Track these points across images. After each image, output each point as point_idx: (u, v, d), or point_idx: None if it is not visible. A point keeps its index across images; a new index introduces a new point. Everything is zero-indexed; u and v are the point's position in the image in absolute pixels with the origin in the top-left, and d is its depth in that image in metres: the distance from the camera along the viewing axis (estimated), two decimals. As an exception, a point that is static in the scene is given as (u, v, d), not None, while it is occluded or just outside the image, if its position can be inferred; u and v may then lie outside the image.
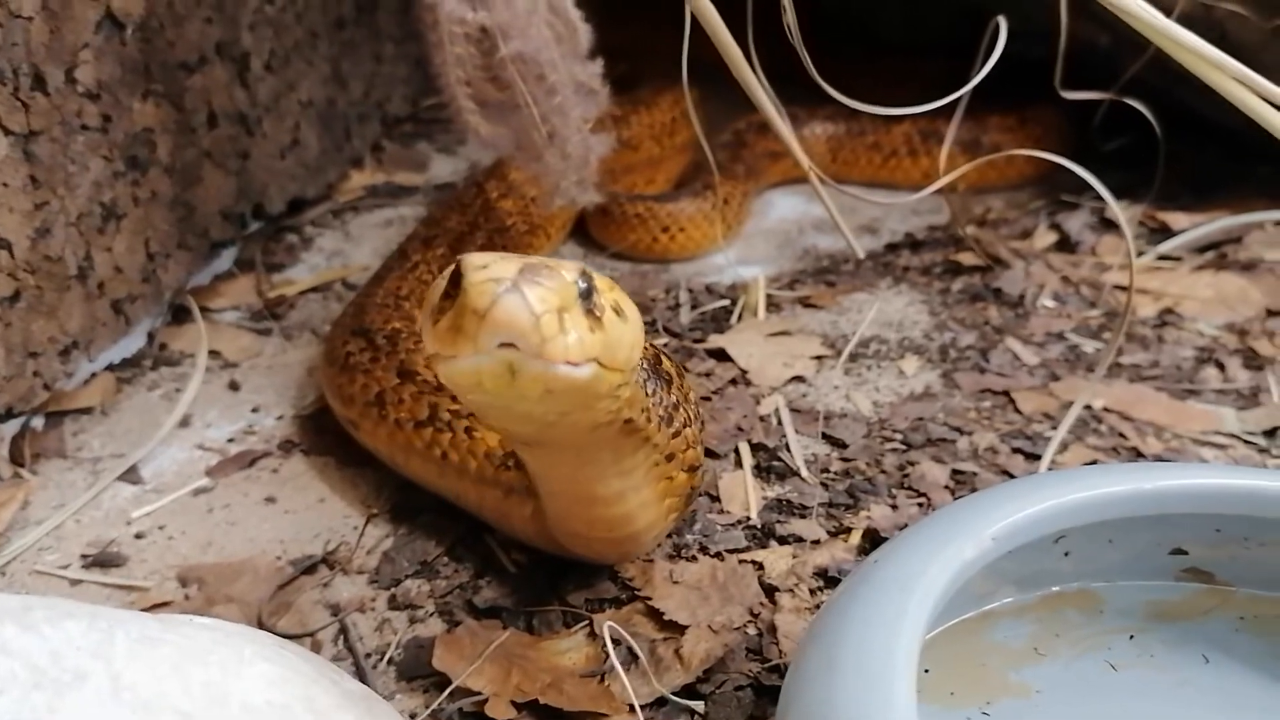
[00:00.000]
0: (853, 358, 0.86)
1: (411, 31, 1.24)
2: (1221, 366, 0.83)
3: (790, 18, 0.72)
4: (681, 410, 0.57)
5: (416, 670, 0.59)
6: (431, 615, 0.63)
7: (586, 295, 0.44)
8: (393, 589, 0.65)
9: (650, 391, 0.53)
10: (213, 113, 0.92)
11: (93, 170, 0.77)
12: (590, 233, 1.08)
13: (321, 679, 0.40)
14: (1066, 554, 0.53)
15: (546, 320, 0.41)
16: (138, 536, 0.69)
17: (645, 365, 0.53)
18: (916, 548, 0.46)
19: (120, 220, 0.81)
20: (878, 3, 1.44)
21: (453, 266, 0.44)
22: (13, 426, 0.76)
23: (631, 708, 0.54)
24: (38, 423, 0.78)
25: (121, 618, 0.37)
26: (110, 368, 0.85)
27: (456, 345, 0.42)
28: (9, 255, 0.70)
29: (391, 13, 1.25)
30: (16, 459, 0.75)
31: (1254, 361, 0.83)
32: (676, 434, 0.57)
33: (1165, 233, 1.01)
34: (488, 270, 0.42)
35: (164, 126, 0.85)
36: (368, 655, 0.60)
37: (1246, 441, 0.75)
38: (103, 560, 0.67)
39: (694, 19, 0.78)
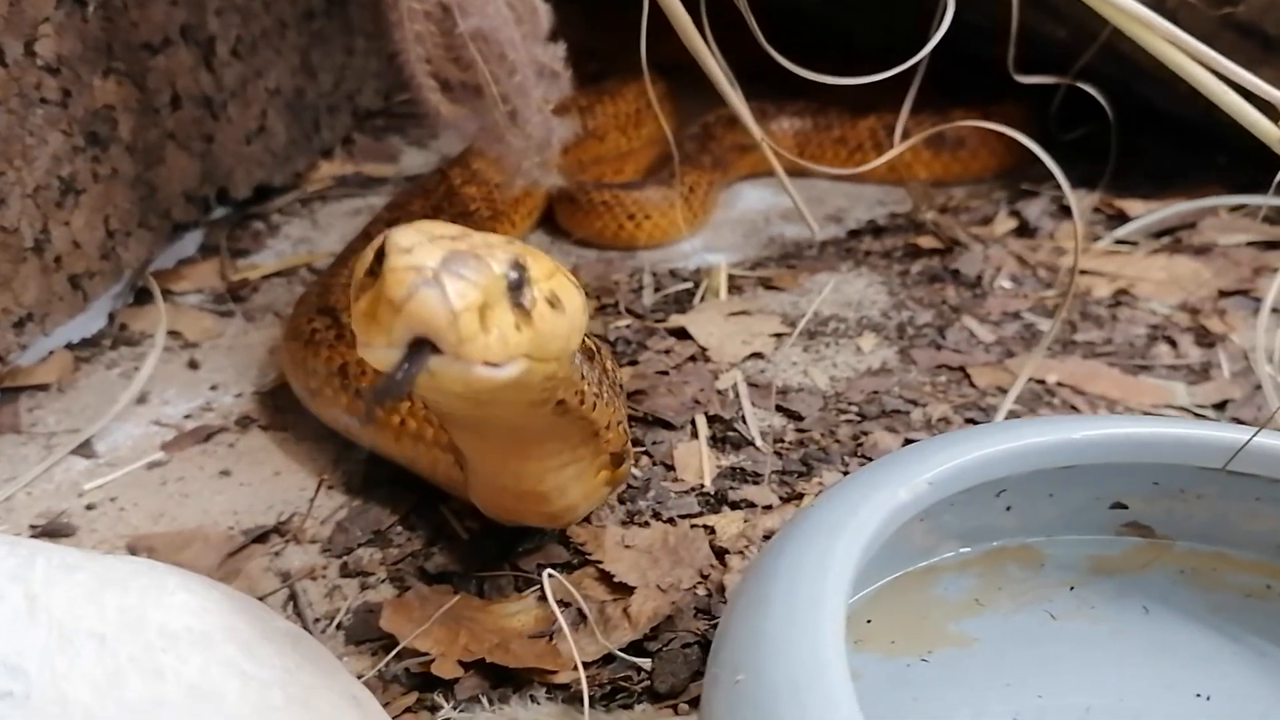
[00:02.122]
0: (811, 335, 0.86)
1: (384, 26, 1.25)
2: (1173, 343, 0.84)
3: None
4: (605, 381, 0.57)
5: (365, 634, 0.58)
6: (383, 582, 0.62)
7: (517, 286, 0.41)
8: (344, 557, 0.64)
9: (583, 375, 0.53)
10: (176, 94, 0.92)
11: (51, 144, 0.77)
12: (557, 220, 1.09)
13: (246, 613, 0.40)
14: (1008, 508, 0.54)
15: (466, 319, 0.38)
16: (89, 508, 0.69)
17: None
18: (850, 493, 0.46)
19: (79, 195, 0.81)
20: (855, 8, 1.46)
21: (380, 239, 0.41)
22: (-34, 401, 0.76)
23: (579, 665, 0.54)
24: (-8, 399, 0.78)
25: (42, 547, 0.37)
26: (70, 347, 0.84)
27: (371, 332, 0.39)
28: (-38, 226, 0.70)
29: (363, 7, 1.26)
30: (-31, 433, 0.75)
31: (1205, 339, 0.84)
32: (606, 405, 0.56)
33: (1123, 219, 1.02)
34: (410, 256, 0.39)
35: (125, 105, 0.85)
36: (316, 620, 0.60)
37: (1196, 414, 0.76)
38: (52, 530, 0.67)
39: (657, 7, 0.79)
